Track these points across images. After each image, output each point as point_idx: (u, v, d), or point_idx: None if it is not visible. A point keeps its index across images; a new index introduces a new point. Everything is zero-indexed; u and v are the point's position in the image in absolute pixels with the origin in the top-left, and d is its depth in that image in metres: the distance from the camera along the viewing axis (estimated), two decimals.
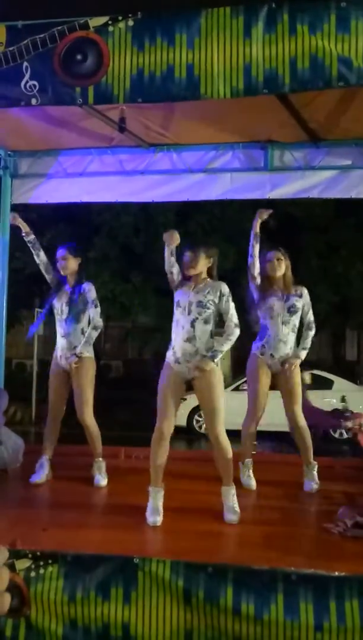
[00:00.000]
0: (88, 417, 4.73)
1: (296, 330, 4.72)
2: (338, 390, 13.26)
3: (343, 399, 8.78)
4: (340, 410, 10.09)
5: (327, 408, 12.90)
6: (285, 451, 7.45)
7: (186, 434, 12.90)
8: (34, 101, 3.51)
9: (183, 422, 13.11)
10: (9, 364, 13.30)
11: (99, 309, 4.76)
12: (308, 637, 2.82)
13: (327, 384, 13.22)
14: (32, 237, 4.89)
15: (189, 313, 3.98)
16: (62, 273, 4.82)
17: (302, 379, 6.61)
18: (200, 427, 13.06)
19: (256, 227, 4.76)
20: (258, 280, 4.75)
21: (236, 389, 12.69)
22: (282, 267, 4.71)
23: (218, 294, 4.02)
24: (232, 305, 4.03)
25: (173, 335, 4.05)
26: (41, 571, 3.04)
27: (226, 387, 13.66)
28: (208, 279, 4.08)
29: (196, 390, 4.05)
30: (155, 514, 3.84)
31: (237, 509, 3.88)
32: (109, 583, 3.01)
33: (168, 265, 4.07)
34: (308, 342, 4.71)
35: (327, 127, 5.34)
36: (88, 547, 3.24)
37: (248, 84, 3.32)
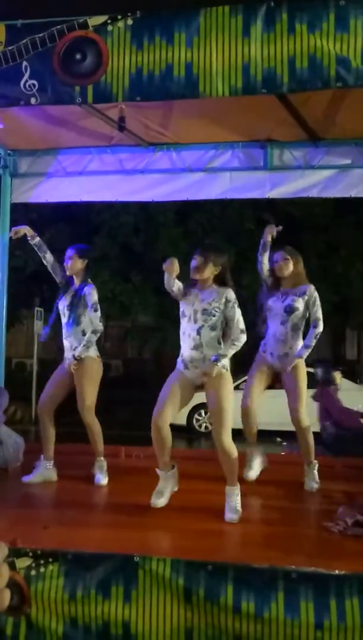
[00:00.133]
0: (89, 416, 4.72)
1: (298, 329, 4.69)
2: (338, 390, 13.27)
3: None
4: None
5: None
6: (286, 451, 7.45)
7: (186, 433, 12.90)
8: (33, 100, 3.51)
9: (183, 421, 13.11)
10: (9, 363, 13.30)
11: (98, 313, 4.73)
12: (308, 635, 2.82)
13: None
14: (37, 239, 4.86)
15: (195, 321, 3.99)
16: (67, 273, 4.82)
17: (332, 379, 6.61)
18: (200, 426, 13.07)
19: (266, 238, 4.75)
20: (269, 282, 4.80)
21: (237, 388, 12.69)
22: (289, 267, 4.71)
23: (224, 300, 4.01)
24: (238, 311, 4.02)
25: (182, 343, 4.08)
26: (42, 570, 3.04)
27: None
28: (214, 285, 4.07)
29: (206, 394, 4.07)
30: (158, 497, 3.95)
31: (239, 508, 3.89)
32: (109, 581, 3.01)
33: (168, 286, 4.06)
34: (311, 340, 4.63)
35: (326, 126, 5.34)
36: (88, 546, 3.24)
37: (247, 83, 3.33)
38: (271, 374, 4.78)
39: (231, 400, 3.99)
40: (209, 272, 4.04)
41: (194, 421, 13.08)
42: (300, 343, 4.67)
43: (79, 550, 3.13)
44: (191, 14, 3.38)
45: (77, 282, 4.82)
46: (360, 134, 5.48)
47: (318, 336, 4.65)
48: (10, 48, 3.51)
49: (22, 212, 12.51)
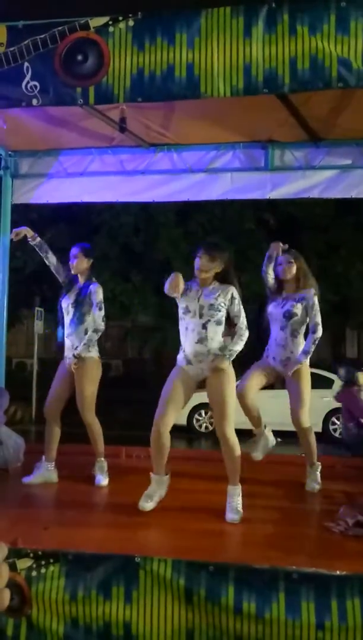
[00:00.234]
0: (89, 416, 4.72)
1: (298, 334, 4.68)
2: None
3: None
4: None
5: (327, 407, 12.93)
6: (286, 451, 7.45)
7: (186, 433, 12.90)
8: (35, 102, 3.52)
9: (183, 421, 13.11)
10: (9, 363, 13.30)
11: (103, 312, 4.73)
12: (309, 635, 2.82)
13: (327, 383, 13.22)
14: (37, 240, 4.86)
15: (201, 316, 4.01)
16: (72, 272, 4.81)
17: (355, 379, 6.59)
18: (200, 425, 13.07)
19: (272, 253, 4.76)
20: (273, 288, 4.82)
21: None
22: (292, 270, 4.71)
23: (229, 296, 4.06)
24: (242, 308, 4.08)
25: (183, 339, 4.08)
26: (42, 570, 3.05)
27: None
28: (215, 282, 4.09)
29: (208, 389, 4.06)
30: (147, 500, 3.93)
31: (240, 509, 3.89)
32: (110, 582, 3.01)
33: (170, 294, 4.07)
34: (310, 345, 4.62)
35: (327, 126, 5.34)
36: (89, 546, 3.24)
37: (248, 84, 3.33)
38: (272, 374, 4.79)
39: (234, 396, 4.05)
40: (214, 269, 4.07)
41: (194, 421, 13.09)
42: (302, 347, 4.67)
43: (80, 551, 3.13)
44: (192, 15, 3.38)
45: (81, 280, 4.82)
46: (361, 134, 5.48)
47: (317, 341, 4.65)
48: (11, 49, 3.51)
49: (22, 213, 12.52)
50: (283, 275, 4.72)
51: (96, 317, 4.71)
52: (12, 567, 3.05)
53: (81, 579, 3.02)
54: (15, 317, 16.60)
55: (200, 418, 13.01)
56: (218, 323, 4.02)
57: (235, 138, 5.76)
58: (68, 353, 4.76)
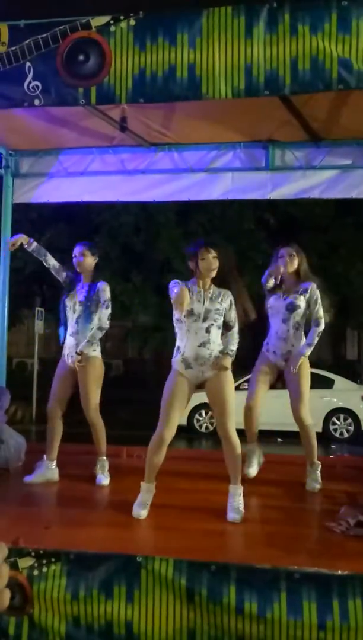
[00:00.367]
0: (94, 415, 4.73)
1: (300, 326, 4.69)
2: (339, 390, 13.29)
3: None
4: None
5: (327, 408, 12.94)
6: (287, 450, 7.46)
7: (187, 433, 12.90)
8: (37, 102, 3.51)
9: (183, 421, 13.12)
10: (9, 362, 13.30)
11: (109, 311, 4.75)
12: (311, 635, 2.82)
13: (327, 383, 13.24)
14: (34, 245, 4.83)
15: (204, 320, 3.99)
16: (77, 269, 4.79)
17: None
18: (201, 426, 13.08)
19: (272, 273, 4.72)
20: (271, 284, 4.79)
21: (237, 388, 12.70)
22: (294, 263, 4.71)
23: (229, 302, 4.07)
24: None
25: (183, 342, 4.02)
26: (44, 569, 3.05)
27: None
28: (213, 284, 4.08)
29: (208, 389, 4.06)
30: (142, 507, 3.91)
31: (241, 508, 3.89)
32: (112, 581, 3.01)
33: (175, 309, 4.04)
34: (313, 338, 4.63)
35: (327, 126, 5.34)
36: (91, 546, 3.24)
37: (249, 85, 3.33)
38: (274, 373, 4.79)
39: (234, 395, 4.05)
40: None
41: (195, 421, 13.09)
42: (303, 341, 4.68)
43: (82, 550, 3.14)
44: (194, 15, 3.38)
45: (86, 279, 4.81)
46: (362, 134, 5.48)
47: (320, 334, 4.65)
48: (13, 48, 3.51)
49: (22, 212, 12.51)
50: (285, 268, 4.71)
51: (103, 315, 4.72)
52: (14, 566, 3.06)
53: (83, 578, 3.02)
54: (16, 317, 16.60)
55: (201, 418, 13.02)
56: (219, 327, 4.04)
57: (236, 138, 5.76)
58: (71, 351, 4.75)
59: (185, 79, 3.37)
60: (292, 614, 2.86)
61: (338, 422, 12.99)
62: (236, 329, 4.08)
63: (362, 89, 3.36)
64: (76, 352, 4.67)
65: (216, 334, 4.02)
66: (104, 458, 4.81)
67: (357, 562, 3.14)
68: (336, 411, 13.03)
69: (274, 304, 4.73)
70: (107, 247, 15.59)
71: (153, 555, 3.05)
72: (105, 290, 4.75)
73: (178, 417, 4.02)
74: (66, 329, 4.80)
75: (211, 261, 4.00)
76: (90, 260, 4.80)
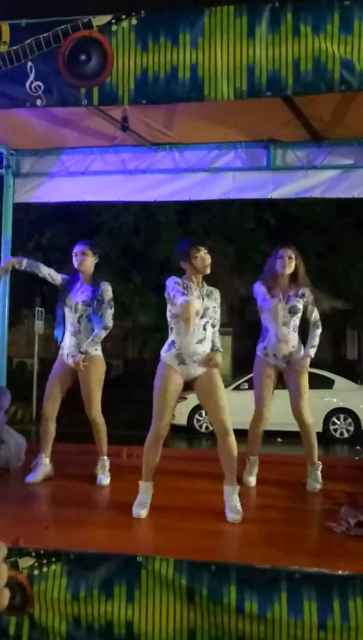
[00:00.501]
0: (96, 415, 4.75)
1: (297, 328, 4.75)
2: (339, 390, 13.29)
3: None
4: None
5: (328, 408, 12.94)
6: (287, 450, 7.46)
7: (186, 433, 12.91)
8: (39, 102, 3.51)
9: (183, 421, 13.12)
10: (10, 362, 13.31)
11: (112, 311, 4.78)
12: (311, 635, 2.82)
13: (327, 384, 13.25)
14: (25, 263, 4.80)
15: (202, 317, 4.01)
16: (78, 268, 4.78)
17: None
18: (201, 426, 13.08)
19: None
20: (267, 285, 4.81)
21: (237, 388, 12.72)
22: (292, 266, 4.72)
23: (219, 301, 4.13)
24: None
25: (179, 337, 4.01)
26: (44, 569, 3.05)
27: (226, 386, 13.70)
28: (204, 282, 4.12)
29: (200, 389, 4.06)
30: (142, 507, 3.91)
31: (239, 508, 3.88)
32: (112, 581, 3.01)
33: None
34: (316, 340, 4.74)
35: (329, 126, 5.34)
36: (91, 546, 3.24)
37: (252, 86, 3.32)
38: (275, 377, 4.80)
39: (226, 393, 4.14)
40: None
41: (194, 421, 13.09)
42: (298, 341, 4.75)
43: (82, 550, 3.13)
44: (196, 14, 3.37)
45: (86, 279, 4.80)
46: None
47: (319, 335, 4.77)
48: (14, 48, 3.50)
49: (23, 212, 12.51)
50: (282, 269, 4.72)
51: (108, 315, 4.74)
52: (14, 566, 3.06)
53: (83, 578, 3.02)
54: (16, 317, 16.60)
55: (200, 418, 13.02)
56: (213, 325, 4.08)
57: (237, 137, 5.75)
58: (72, 351, 4.74)
59: (187, 79, 3.36)
60: (293, 614, 2.85)
61: (338, 422, 12.99)
62: (218, 326, 4.14)
63: None
64: (80, 351, 4.67)
65: (210, 331, 4.05)
66: (105, 458, 4.82)
67: (357, 562, 3.14)
68: (336, 411, 13.04)
69: (274, 307, 4.73)
70: (108, 247, 15.60)
71: (153, 555, 3.05)
72: (108, 290, 4.78)
73: (171, 413, 4.05)
74: (64, 329, 4.79)
75: (204, 257, 4.02)
76: (91, 260, 4.80)
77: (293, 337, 4.72)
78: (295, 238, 15.06)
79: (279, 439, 9.67)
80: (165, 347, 4.07)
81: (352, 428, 12.94)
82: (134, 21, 3.42)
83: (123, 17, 3.44)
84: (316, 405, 12.70)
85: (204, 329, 4.02)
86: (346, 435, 12.91)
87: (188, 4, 3.53)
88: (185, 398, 12.24)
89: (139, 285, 16.32)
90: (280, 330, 4.71)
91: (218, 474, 4.06)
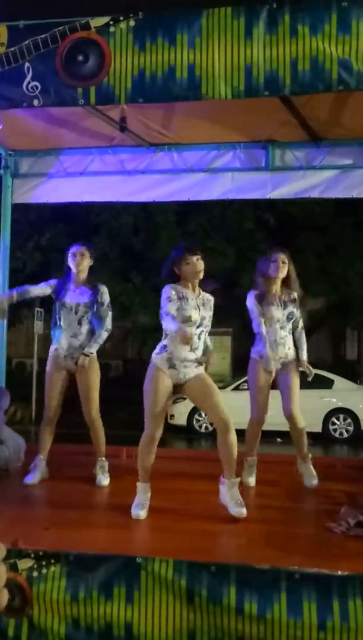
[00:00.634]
0: (96, 415, 4.76)
1: (290, 331, 4.83)
2: (338, 390, 13.29)
3: None
4: None
5: (327, 408, 12.94)
6: (286, 450, 7.47)
7: (186, 434, 12.90)
8: (36, 102, 3.51)
9: (183, 421, 13.12)
10: (9, 363, 13.31)
11: (112, 313, 4.81)
12: (311, 636, 2.82)
13: (327, 384, 13.24)
14: (15, 295, 4.72)
15: (199, 326, 4.02)
16: (75, 268, 4.77)
17: None
18: (200, 426, 13.08)
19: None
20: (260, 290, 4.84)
21: (236, 388, 12.72)
22: (284, 270, 4.75)
23: (212, 309, 4.12)
24: None
25: (173, 343, 3.98)
26: (43, 571, 3.04)
27: (226, 386, 13.71)
28: (200, 289, 4.11)
29: (193, 391, 4.07)
30: (141, 508, 3.91)
31: (241, 501, 3.87)
32: (111, 583, 3.01)
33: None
34: (305, 343, 4.87)
35: (327, 126, 5.34)
36: (90, 547, 3.24)
37: (249, 85, 3.33)
38: (270, 379, 4.82)
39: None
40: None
41: (194, 422, 13.09)
42: (293, 343, 4.83)
43: (81, 552, 3.13)
44: (194, 15, 3.38)
45: (80, 280, 4.78)
46: (362, 134, 5.48)
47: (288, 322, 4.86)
48: (12, 49, 3.50)
49: (22, 213, 12.50)
50: (276, 273, 4.73)
51: (108, 318, 4.77)
52: (14, 568, 3.06)
53: (82, 580, 3.02)
54: (15, 317, 16.60)
55: (200, 418, 13.01)
56: (207, 333, 4.12)
57: (236, 138, 5.76)
58: (73, 352, 4.74)
59: (185, 79, 3.37)
60: (292, 614, 2.85)
61: (338, 422, 12.98)
62: (208, 337, 4.18)
63: (362, 90, 3.36)
64: (84, 353, 4.68)
65: (203, 339, 4.07)
66: (104, 458, 4.82)
67: (357, 563, 3.14)
68: (335, 411, 13.02)
69: (274, 314, 4.75)
70: (107, 248, 15.60)
71: (152, 556, 3.05)
72: (106, 294, 4.81)
73: (163, 414, 4.05)
74: (61, 330, 4.77)
75: (195, 264, 4.00)
76: (87, 262, 4.80)
77: (289, 340, 4.81)
78: (294, 238, 15.09)
79: (278, 439, 9.66)
80: (157, 350, 4.07)
81: (351, 428, 12.93)
82: (132, 22, 3.43)
83: (121, 18, 3.44)
84: (315, 406, 12.78)
85: (199, 337, 4.02)
86: (345, 435, 12.90)
87: (186, 5, 3.53)
88: (184, 398, 12.24)
89: (139, 286, 16.31)
90: (279, 334, 4.76)
91: (218, 475, 4.06)
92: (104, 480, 4.75)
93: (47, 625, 2.99)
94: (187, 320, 3.96)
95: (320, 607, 2.84)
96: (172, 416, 12.78)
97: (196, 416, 12.99)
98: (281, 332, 4.76)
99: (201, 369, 4.06)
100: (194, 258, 4.01)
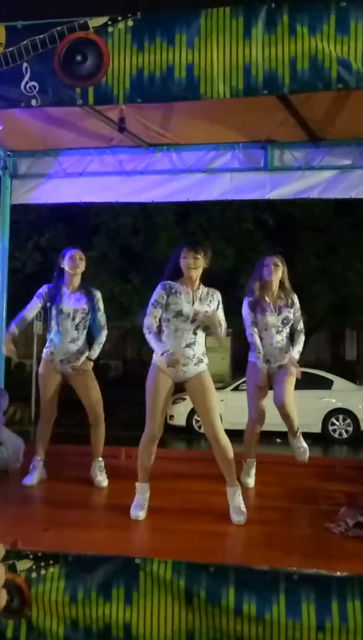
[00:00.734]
0: (102, 414, 4.80)
1: (288, 334, 4.85)
2: (338, 390, 13.28)
3: None
4: None
5: (327, 408, 12.94)
6: (286, 451, 7.46)
7: (185, 434, 12.90)
8: (34, 102, 3.50)
9: (182, 422, 13.12)
10: (8, 363, 13.31)
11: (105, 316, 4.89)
12: (310, 637, 2.82)
13: (326, 384, 13.23)
14: (16, 330, 4.69)
15: (193, 321, 3.99)
16: (73, 271, 4.75)
17: None
18: (200, 427, 13.06)
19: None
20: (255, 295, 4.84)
21: (236, 388, 12.71)
22: (278, 273, 4.74)
23: (217, 302, 4.07)
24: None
25: (169, 341, 3.99)
26: (42, 572, 3.04)
27: (226, 387, 13.69)
28: (201, 284, 4.07)
29: (191, 391, 4.07)
30: (140, 509, 3.91)
31: (243, 508, 3.88)
32: (110, 583, 3.01)
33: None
34: (301, 346, 4.86)
35: (326, 127, 5.34)
36: (89, 548, 3.24)
37: (248, 85, 3.32)
38: (267, 383, 4.82)
39: (217, 395, 4.14)
40: (202, 268, 4.04)
41: (193, 422, 13.08)
42: (290, 346, 4.82)
43: (80, 552, 3.13)
44: (192, 16, 3.37)
45: (75, 285, 4.77)
46: (361, 135, 5.48)
47: (303, 342, 4.92)
48: (10, 49, 3.49)
49: (21, 213, 12.50)
50: (269, 277, 4.74)
51: (105, 321, 4.84)
52: (12, 569, 3.06)
53: (81, 581, 3.02)
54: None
55: (199, 419, 13.00)
56: (205, 329, 4.04)
57: (234, 138, 5.75)
58: (71, 357, 4.74)
59: (183, 79, 3.36)
60: (291, 615, 2.85)
61: (337, 423, 12.98)
62: (223, 327, 4.07)
63: (361, 89, 3.36)
64: (88, 358, 4.73)
65: (201, 335, 4.03)
66: (101, 459, 4.83)
67: (356, 564, 3.14)
68: (335, 412, 13.01)
69: (269, 320, 4.75)
70: (107, 248, 15.60)
71: (151, 557, 3.04)
72: (101, 299, 4.86)
73: (164, 413, 4.04)
74: (59, 336, 4.76)
75: (190, 261, 3.99)
76: (84, 266, 4.81)
77: (287, 344, 4.82)
78: (293, 238, 15.09)
79: (278, 440, 9.65)
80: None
81: (350, 428, 12.92)
82: (130, 23, 3.42)
83: (120, 19, 3.43)
84: (315, 406, 12.78)
85: (195, 333, 3.99)
86: (345, 435, 12.89)
87: (185, 5, 3.53)
88: (184, 399, 12.24)
89: (138, 286, 16.29)
90: (274, 338, 4.76)
91: (217, 475, 4.06)
92: (104, 481, 4.76)
93: (45, 627, 2.99)
94: (178, 314, 3.97)
95: (318, 608, 2.84)
96: (171, 417, 12.77)
97: (196, 417, 12.97)
98: (277, 336, 4.76)
99: (203, 367, 4.01)
100: (191, 253, 4.00)
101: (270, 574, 2.94)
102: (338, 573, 2.92)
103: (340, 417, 12.99)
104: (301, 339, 4.87)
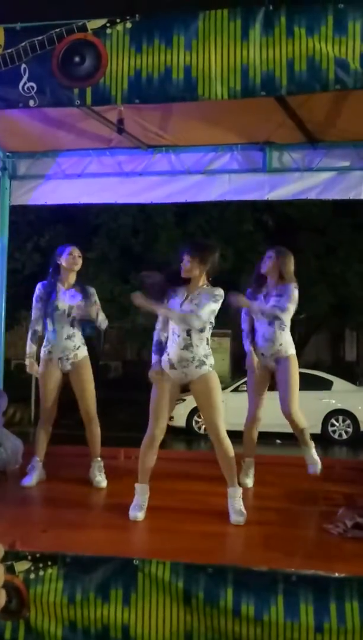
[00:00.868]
0: (94, 413, 4.79)
1: (285, 326, 4.71)
2: (337, 391, 13.29)
3: None
4: None
5: (326, 409, 12.94)
6: (285, 452, 7.46)
7: (185, 435, 12.90)
8: (32, 103, 3.51)
9: (182, 422, 13.12)
10: (7, 364, 13.32)
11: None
12: (308, 638, 2.82)
13: (326, 385, 13.24)
14: (33, 349, 4.82)
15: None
16: (71, 269, 4.77)
17: None
18: (199, 427, 13.07)
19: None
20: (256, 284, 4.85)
21: (236, 389, 12.71)
22: (269, 264, 4.74)
23: (199, 298, 4.00)
24: (213, 305, 3.96)
25: (169, 342, 4.02)
26: (40, 573, 3.04)
27: (225, 387, 13.66)
28: (204, 285, 4.04)
29: (195, 393, 4.06)
30: (139, 510, 3.91)
31: (243, 509, 3.88)
32: (108, 585, 3.01)
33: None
34: (268, 310, 4.62)
35: (324, 128, 5.35)
36: (88, 549, 3.24)
37: (246, 86, 3.33)
38: (267, 376, 4.81)
39: (222, 398, 4.09)
40: (197, 270, 4.00)
41: (193, 423, 13.08)
42: (289, 340, 4.73)
43: (78, 554, 3.13)
44: (190, 17, 3.38)
45: (72, 282, 4.79)
46: (359, 136, 5.49)
47: (271, 316, 4.64)
48: (9, 51, 3.51)
49: (21, 214, 12.50)
50: (264, 269, 4.76)
51: (104, 317, 4.81)
52: (10, 570, 3.05)
53: (79, 582, 3.02)
54: (14, 319, 16.58)
55: (199, 420, 12.99)
56: (201, 330, 3.96)
57: (233, 139, 5.76)
58: (69, 354, 4.76)
59: (181, 80, 3.37)
60: (289, 616, 2.85)
61: (337, 424, 12.98)
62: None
63: (359, 89, 3.36)
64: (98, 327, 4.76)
65: (198, 337, 3.96)
66: (100, 459, 4.83)
67: (354, 565, 3.14)
68: (335, 413, 13.02)
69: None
70: (106, 249, 15.60)
71: (149, 558, 3.05)
72: (96, 294, 4.85)
73: (167, 415, 4.05)
74: (55, 334, 4.77)
75: (182, 265, 4.01)
76: (81, 263, 4.84)
77: (280, 336, 4.70)
78: (293, 239, 15.08)
79: (277, 440, 9.66)
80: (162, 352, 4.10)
81: (350, 429, 12.93)
82: (128, 24, 3.44)
83: (118, 20, 3.44)
84: (315, 407, 12.77)
85: (188, 334, 3.95)
86: (345, 436, 12.90)
87: (183, 7, 3.53)
88: (183, 400, 12.24)
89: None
90: (267, 329, 4.73)
91: (216, 476, 4.06)
92: (103, 481, 4.76)
93: (44, 628, 2.99)
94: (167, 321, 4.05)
95: (317, 609, 2.84)
96: (171, 418, 12.77)
97: (196, 417, 12.98)
98: (269, 327, 4.70)
99: (206, 369, 3.98)
100: (183, 257, 4.02)
101: (268, 575, 2.95)
102: (337, 574, 2.92)
103: (340, 418, 12.99)
104: (272, 309, 4.62)
